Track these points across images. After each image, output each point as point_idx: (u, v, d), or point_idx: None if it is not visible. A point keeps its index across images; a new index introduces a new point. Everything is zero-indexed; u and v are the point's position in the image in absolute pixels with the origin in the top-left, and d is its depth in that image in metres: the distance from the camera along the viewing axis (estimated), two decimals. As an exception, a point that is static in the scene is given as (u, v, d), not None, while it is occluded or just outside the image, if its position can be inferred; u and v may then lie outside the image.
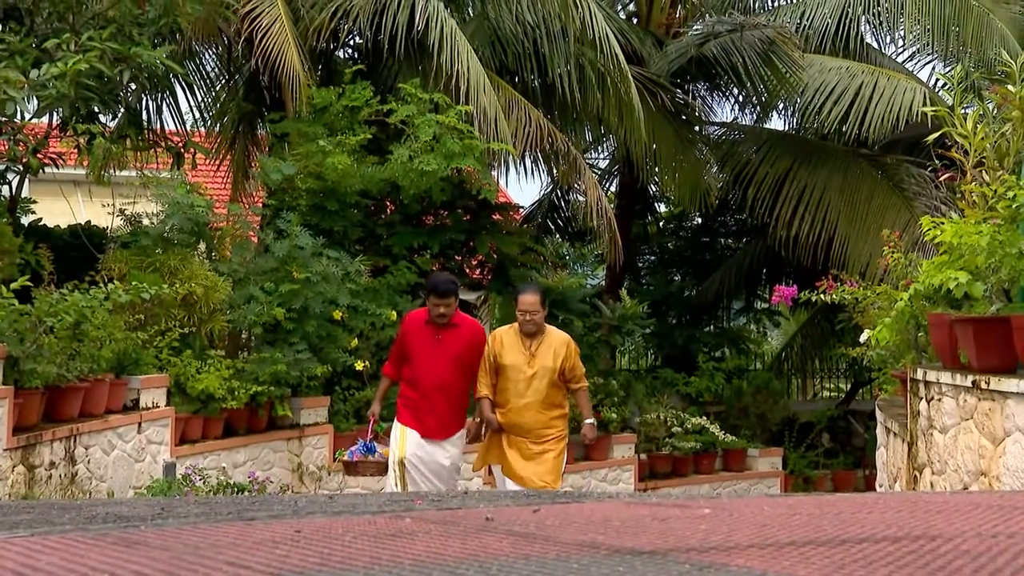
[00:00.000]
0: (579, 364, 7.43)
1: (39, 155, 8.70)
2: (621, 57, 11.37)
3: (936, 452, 4.95)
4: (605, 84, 11.81)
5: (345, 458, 7.65)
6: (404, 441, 7.28)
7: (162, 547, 1.77)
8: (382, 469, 7.53)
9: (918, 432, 5.39)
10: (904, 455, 5.79)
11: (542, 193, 16.67)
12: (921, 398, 5.26)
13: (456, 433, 7.39)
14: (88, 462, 7.32)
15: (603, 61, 11.40)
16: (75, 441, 7.15)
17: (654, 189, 16.44)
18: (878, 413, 7.25)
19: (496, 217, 12.65)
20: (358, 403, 10.12)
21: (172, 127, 12.36)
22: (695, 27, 14.66)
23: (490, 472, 7.71)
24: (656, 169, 14.42)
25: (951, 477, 4.70)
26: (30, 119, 8.54)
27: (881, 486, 7.08)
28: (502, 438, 7.33)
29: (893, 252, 6.70)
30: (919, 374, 5.28)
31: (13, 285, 6.72)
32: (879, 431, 7.20)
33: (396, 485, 7.25)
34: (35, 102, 7.93)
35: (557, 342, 7.36)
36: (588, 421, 7.44)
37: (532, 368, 7.26)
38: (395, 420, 7.47)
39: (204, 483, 8.04)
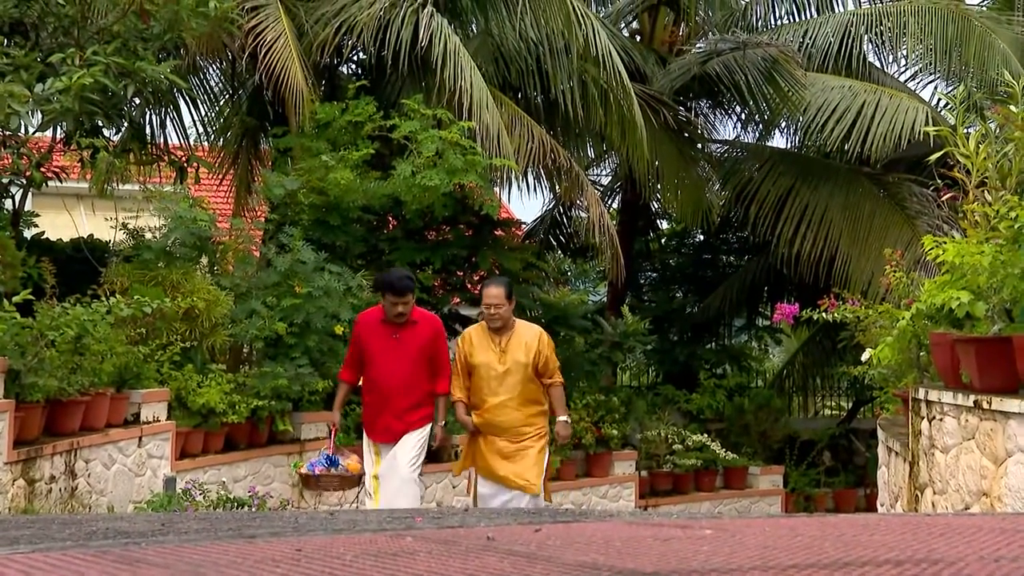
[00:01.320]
0: (552, 358, 7.16)
1: (42, 169, 8.71)
2: (624, 74, 11.40)
3: (938, 472, 4.95)
4: (608, 101, 11.83)
5: (304, 470, 7.35)
6: (377, 458, 7.21)
7: (162, 565, 1.77)
8: (344, 484, 7.36)
9: (920, 452, 5.39)
10: (906, 474, 5.77)
11: (544, 209, 16.69)
12: (923, 417, 5.25)
13: (421, 425, 7.15)
14: (88, 476, 7.31)
15: (606, 78, 11.43)
16: (75, 455, 7.15)
17: (656, 206, 16.46)
18: (880, 432, 7.24)
19: (498, 233, 12.66)
20: (359, 418, 10.10)
21: (175, 141, 12.41)
22: (698, 45, 14.69)
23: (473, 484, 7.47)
24: (658, 186, 14.44)
25: (952, 497, 4.69)
26: (34, 133, 8.56)
27: (882, 505, 7.06)
28: (479, 440, 7.18)
29: (895, 271, 6.70)
30: (921, 393, 5.28)
31: (15, 299, 6.73)
32: (881, 450, 7.18)
33: (371, 497, 7.20)
34: (39, 116, 7.95)
35: (528, 335, 7.15)
36: (561, 419, 7.13)
37: (504, 365, 7.06)
38: (364, 433, 7.36)
39: (204, 498, 8.03)
